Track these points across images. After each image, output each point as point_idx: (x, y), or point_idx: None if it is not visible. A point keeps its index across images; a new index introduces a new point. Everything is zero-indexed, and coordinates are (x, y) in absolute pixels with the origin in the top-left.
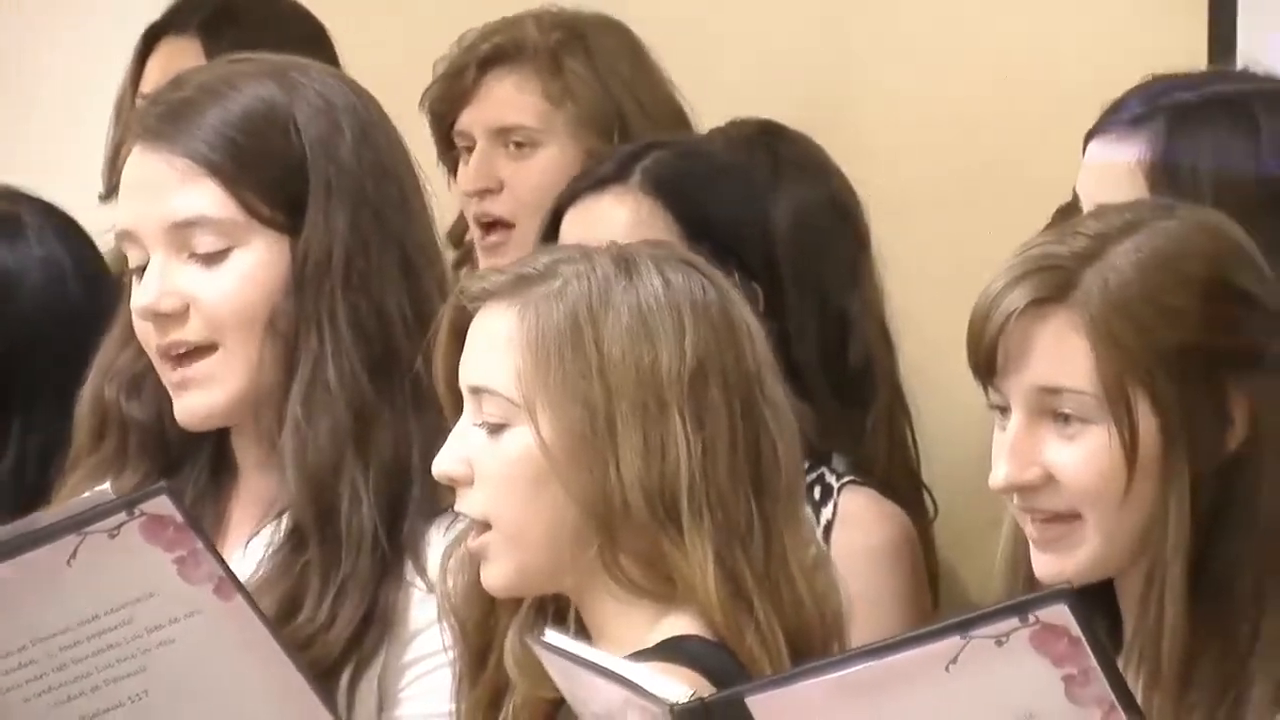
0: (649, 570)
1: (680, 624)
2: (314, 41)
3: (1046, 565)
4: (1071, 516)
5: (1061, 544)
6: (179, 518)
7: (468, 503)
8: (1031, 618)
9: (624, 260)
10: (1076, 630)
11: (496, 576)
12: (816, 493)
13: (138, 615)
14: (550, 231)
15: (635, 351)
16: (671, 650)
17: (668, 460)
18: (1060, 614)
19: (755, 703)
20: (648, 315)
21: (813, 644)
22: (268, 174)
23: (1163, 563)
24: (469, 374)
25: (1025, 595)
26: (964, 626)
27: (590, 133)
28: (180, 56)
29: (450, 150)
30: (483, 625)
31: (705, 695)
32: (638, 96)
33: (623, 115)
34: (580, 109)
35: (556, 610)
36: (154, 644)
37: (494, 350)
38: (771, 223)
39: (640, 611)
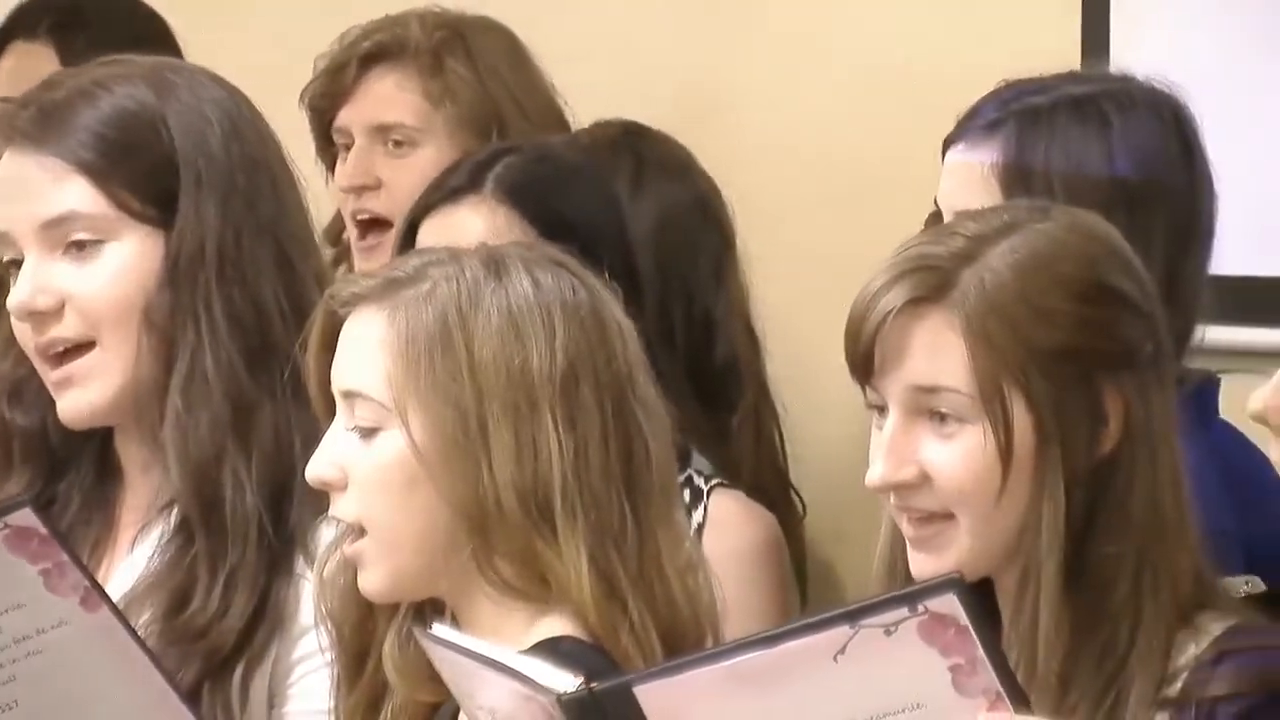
0: (523, 571)
1: (556, 625)
2: (162, 40)
3: (922, 564)
4: (947, 515)
5: (937, 543)
6: (43, 529)
7: (341, 507)
8: (920, 608)
9: (494, 262)
10: (964, 620)
11: (372, 581)
12: (686, 495)
13: (6, 626)
14: (407, 244)
15: (505, 353)
16: (547, 652)
17: (540, 461)
18: (949, 604)
19: (643, 692)
20: (518, 316)
21: (686, 643)
22: (138, 169)
23: (1037, 562)
24: (340, 378)
25: (915, 585)
26: (853, 616)
27: (469, 133)
28: (32, 60)
29: (329, 147)
30: (360, 629)
31: (594, 684)
32: (517, 98)
33: (501, 116)
34: (460, 109)
35: (434, 614)
36: (22, 654)
37: (364, 354)
38: (631, 222)
39: (516, 613)
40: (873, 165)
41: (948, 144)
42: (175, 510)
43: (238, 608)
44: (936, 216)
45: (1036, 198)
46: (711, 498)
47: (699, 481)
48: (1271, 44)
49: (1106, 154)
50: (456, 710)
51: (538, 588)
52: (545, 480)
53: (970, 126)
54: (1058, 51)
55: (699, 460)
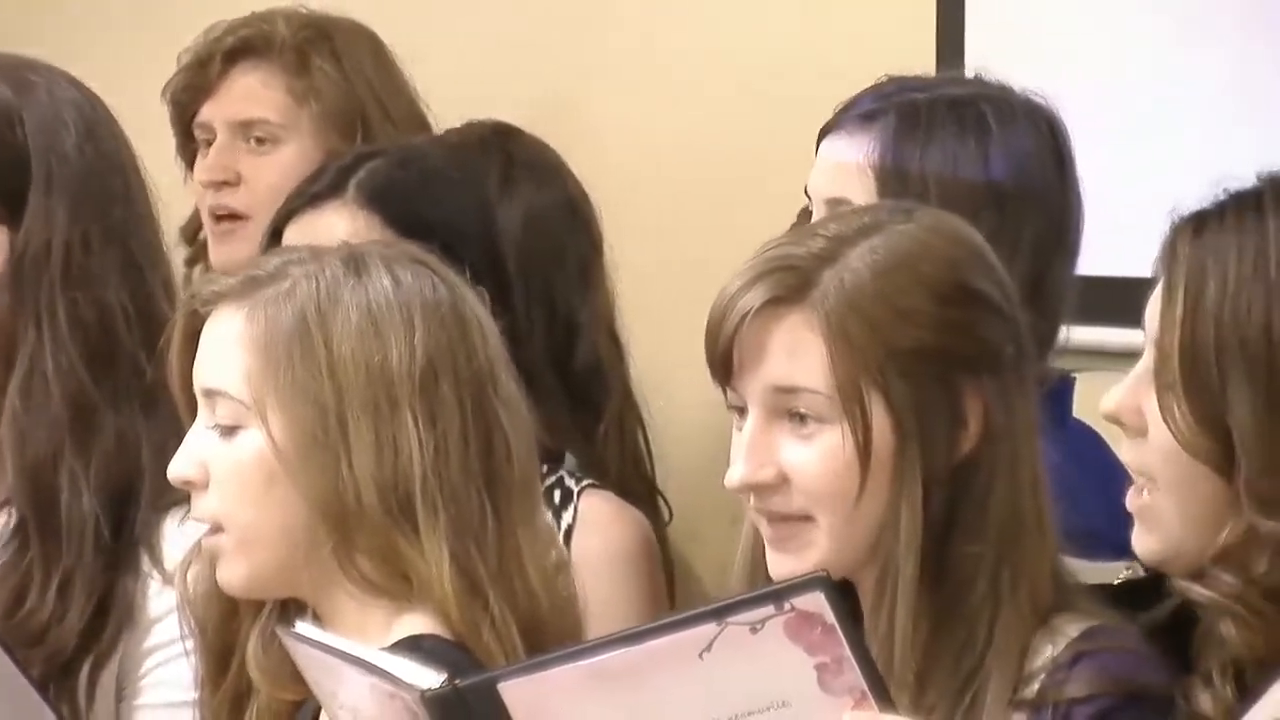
0: (384, 568)
1: (417, 622)
2: None
3: (781, 565)
4: (806, 516)
5: (796, 544)
6: None
7: (202, 505)
8: (787, 605)
9: (354, 260)
10: (831, 618)
11: (231, 578)
12: (556, 496)
13: None
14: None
15: (365, 350)
16: (408, 649)
17: (400, 458)
18: (815, 601)
19: (508, 688)
20: (377, 314)
21: (548, 639)
22: None
23: (895, 562)
24: (201, 377)
25: (782, 582)
26: (720, 613)
27: (332, 132)
28: None
29: (190, 143)
30: (224, 628)
31: (458, 681)
32: (381, 99)
33: (365, 116)
34: (324, 108)
35: (299, 614)
36: None
37: (224, 353)
38: (497, 224)
39: (377, 611)
40: (734, 168)
41: (823, 134)
42: (13, 510)
43: (76, 609)
44: (807, 213)
45: (910, 192)
46: (582, 498)
47: (570, 483)
48: (1125, 49)
49: (983, 157)
50: (318, 709)
51: (399, 585)
52: (405, 477)
53: (848, 117)
54: (913, 53)
55: (570, 461)
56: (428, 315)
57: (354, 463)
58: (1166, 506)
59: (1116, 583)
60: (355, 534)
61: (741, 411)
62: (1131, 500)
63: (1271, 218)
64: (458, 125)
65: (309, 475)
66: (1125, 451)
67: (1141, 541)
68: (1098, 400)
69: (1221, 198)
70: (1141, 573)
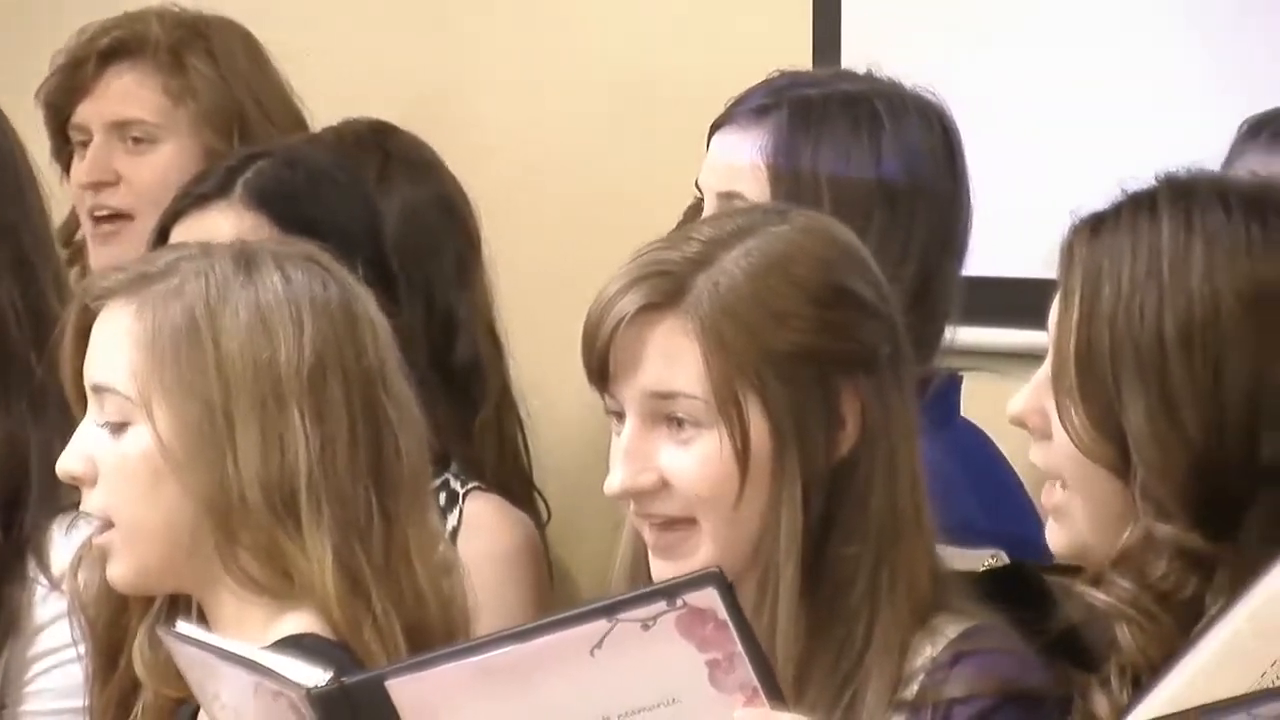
0: (268, 567)
1: (298, 621)
2: None
3: (663, 570)
4: (687, 521)
5: (677, 549)
6: None
7: (90, 501)
8: (679, 602)
9: (244, 257)
10: (723, 614)
11: (119, 574)
12: (442, 499)
13: None
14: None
15: (253, 348)
16: (289, 648)
17: (286, 456)
18: (708, 598)
19: (395, 686)
20: (266, 312)
21: (433, 639)
22: None
23: (776, 566)
24: (90, 373)
25: (674, 579)
26: (611, 610)
27: (210, 131)
28: None
29: (65, 145)
30: (113, 625)
31: (344, 678)
32: (258, 97)
33: (243, 115)
34: (201, 107)
35: (187, 613)
36: None
37: (113, 349)
38: (380, 222)
39: (260, 609)
40: (611, 167)
41: (715, 128)
42: None
43: None
44: (695, 209)
45: (803, 187)
46: (468, 501)
47: (455, 485)
48: (1003, 46)
49: (875, 153)
50: (198, 708)
51: (281, 583)
52: (291, 475)
53: (739, 112)
54: (789, 49)
55: (455, 463)
56: (317, 313)
57: (239, 460)
58: (1075, 506)
59: (981, 570)
60: (238, 531)
61: (619, 417)
62: (1045, 498)
63: (1166, 219)
64: (334, 123)
65: (195, 472)
66: (1034, 453)
67: (1053, 538)
68: (985, 400)
69: (1118, 198)
70: (1006, 560)
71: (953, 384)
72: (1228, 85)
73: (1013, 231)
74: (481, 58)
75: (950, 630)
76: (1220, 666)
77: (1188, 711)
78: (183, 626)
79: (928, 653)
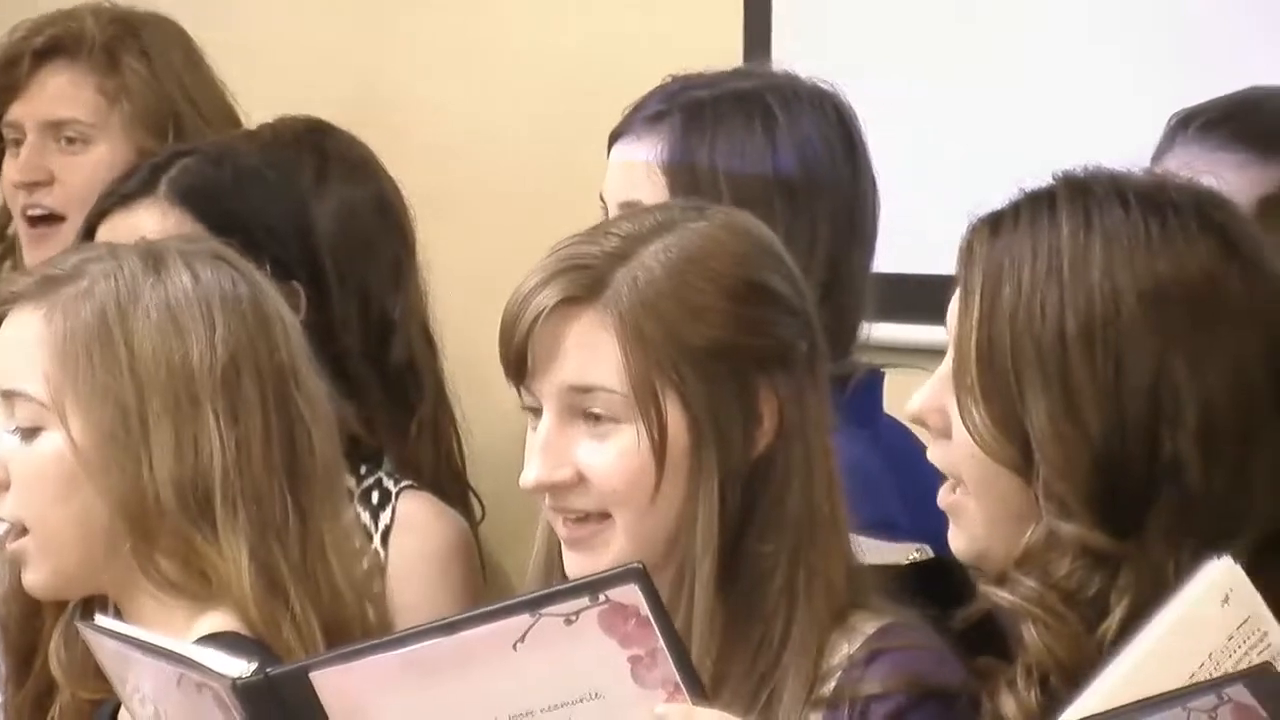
0: (184, 568)
1: (217, 621)
2: None
3: (577, 565)
4: (602, 516)
5: (593, 543)
6: None
7: (4, 507)
8: (602, 597)
9: (152, 257)
10: (645, 610)
11: (35, 580)
12: (375, 497)
13: None
14: None
15: (166, 348)
16: (210, 644)
17: (200, 457)
18: (630, 594)
19: (320, 677)
20: (177, 311)
21: (352, 634)
22: None
23: (692, 562)
24: (0, 378)
25: (597, 574)
26: (534, 604)
27: (144, 131)
28: None
29: None
30: (27, 626)
31: (269, 670)
32: (192, 96)
33: (177, 115)
34: (135, 107)
35: (102, 611)
36: None
37: (23, 354)
38: (312, 220)
39: (178, 610)
40: (545, 167)
41: (614, 138)
42: None
43: None
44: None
45: (701, 188)
46: (401, 499)
47: (389, 484)
48: (930, 44)
49: (771, 149)
50: (117, 707)
51: (199, 584)
52: (205, 476)
53: (635, 120)
54: (721, 50)
55: (389, 462)
56: (228, 311)
57: (154, 463)
58: (973, 507)
59: (905, 564)
60: (154, 534)
61: (536, 411)
62: (943, 498)
63: (1065, 218)
64: (270, 121)
65: (109, 475)
66: (932, 452)
67: (953, 539)
68: (907, 397)
69: (1017, 197)
70: (930, 554)
71: (875, 380)
72: (1139, 84)
73: (938, 228)
74: (416, 58)
75: (867, 628)
76: (1152, 666)
77: (1123, 707)
78: (102, 620)
79: (845, 650)
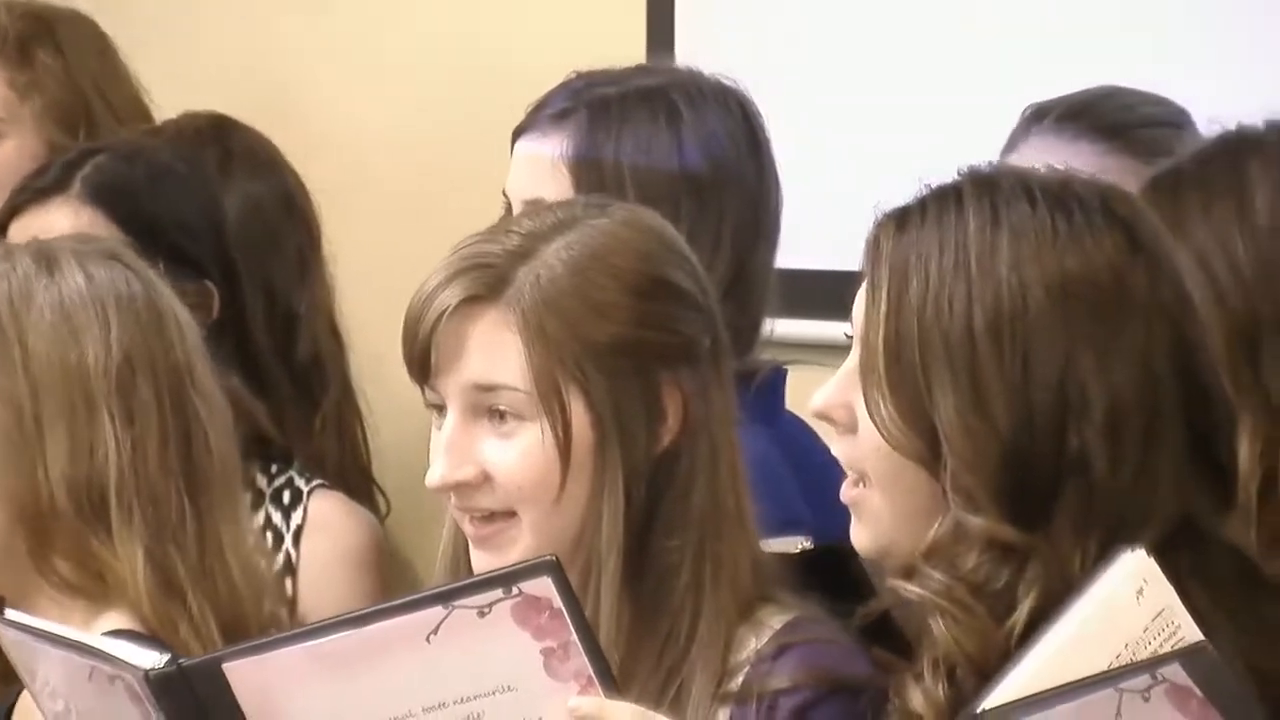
0: (81, 569)
1: (114, 621)
2: None
3: (484, 564)
4: (508, 514)
5: (498, 541)
6: None
7: None
8: (515, 589)
9: (45, 257)
10: (559, 603)
11: None
12: (286, 497)
13: None
14: None
15: (60, 349)
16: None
17: (96, 458)
18: (543, 586)
19: (232, 668)
20: (71, 312)
21: (250, 632)
22: None
23: (598, 559)
24: None
25: (510, 566)
26: (447, 597)
27: (55, 126)
28: None
29: None
30: None
31: (182, 660)
32: (104, 92)
33: (89, 110)
34: (47, 101)
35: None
36: None
37: None
38: (223, 217)
39: (75, 611)
40: (451, 162)
41: (517, 134)
42: None
43: None
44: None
45: (607, 185)
46: (312, 499)
47: (300, 483)
48: (832, 41)
49: (676, 145)
50: (11, 706)
51: (95, 585)
52: (101, 477)
53: (540, 116)
54: (624, 47)
55: (298, 460)
56: (123, 311)
57: (49, 464)
58: (878, 501)
59: (795, 553)
60: (50, 536)
61: (441, 410)
62: (845, 493)
63: (972, 213)
64: (174, 118)
65: (4, 478)
66: (837, 448)
67: (857, 535)
68: (808, 393)
69: (923, 193)
70: (810, 545)
71: (778, 378)
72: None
73: (840, 224)
74: (320, 54)
75: (774, 622)
76: (1070, 654)
77: (1056, 689)
78: (12, 614)
79: (752, 645)
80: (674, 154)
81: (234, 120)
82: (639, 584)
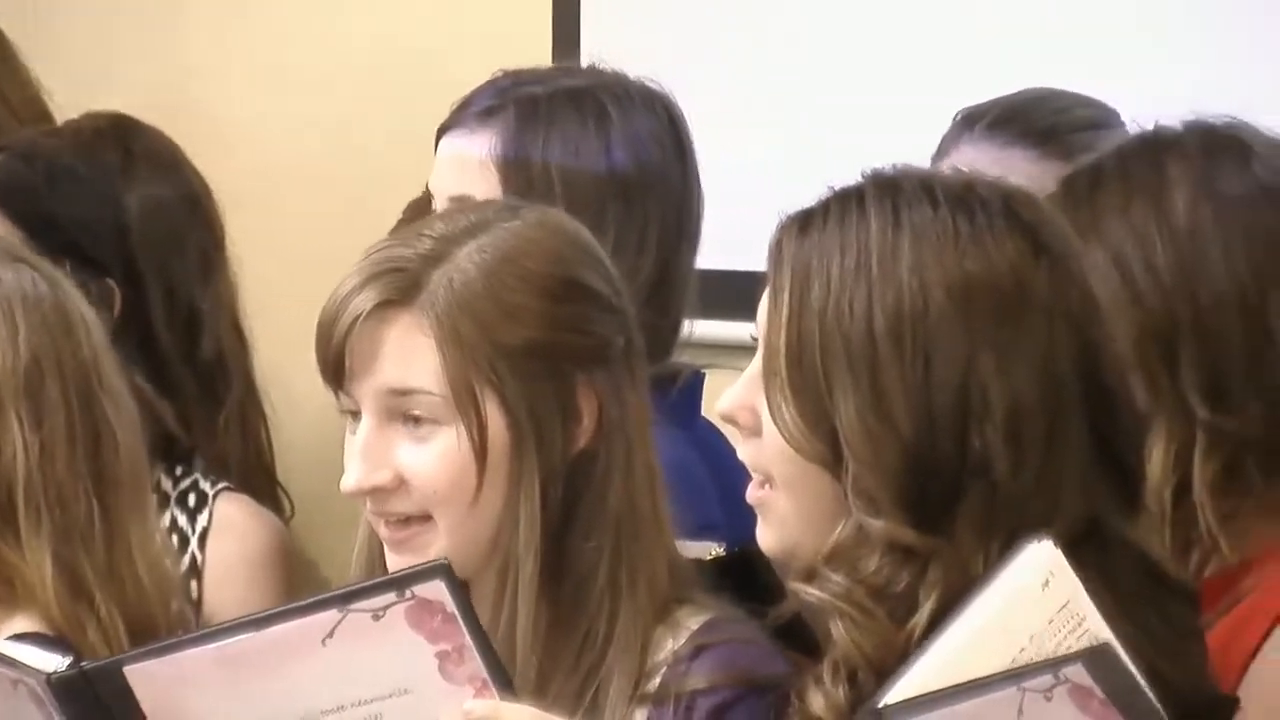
0: None
1: (22, 624)
2: None
3: (400, 566)
4: (424, 518)
5: (414, 544)
6: None
7: None
8: (408, 593)
9: None
10: (452, 606)
11: None
12: (191, 500)
13: None
14: None
15: None
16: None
17: (3, 460)
18: (436, 590)
19: (133, 672)
20: None
21: (158, 636)
22: None
23: (515, 561)
24: None
25: (404, 570)
26: (343, 600)
27: None
28: None
29: None
30: None
31: (84, 663)
32: (3, 92)
33: None
34: None
35: None
36: None
37: None
38: (126, 217)
39: None
40: (354, 162)
41: (442, 131)
42: None
43: None
44: (422, 203)
45: (534, 185)
46: (218, 502)
47: (205, 486)
48: (739, 42)
49: (605, 147)
50: None
51: (4, 589)
52: (8, 481)
53: (466, 114)
54: (529, 47)
55: (202, 462)
56: (30, 312)
57: None
58: (783, 504)
59: (708, 559)
60: None
61: (355, 415)
62: (751, 494)
63: (874, 215)
64: (75, 118)
65: None
66: (742, 451)
67: (762, 536)
68: (719, 396)
69: (826, 195)
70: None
71: (698, 381)
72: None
73: (755, 225)
74: (226, 54)
75: (691, 623)
76: (976, 646)
77: (958, 686)
78: None
79: (669, 646)
80: (602, 156)
81: (135, 121)
82: (556, 585)
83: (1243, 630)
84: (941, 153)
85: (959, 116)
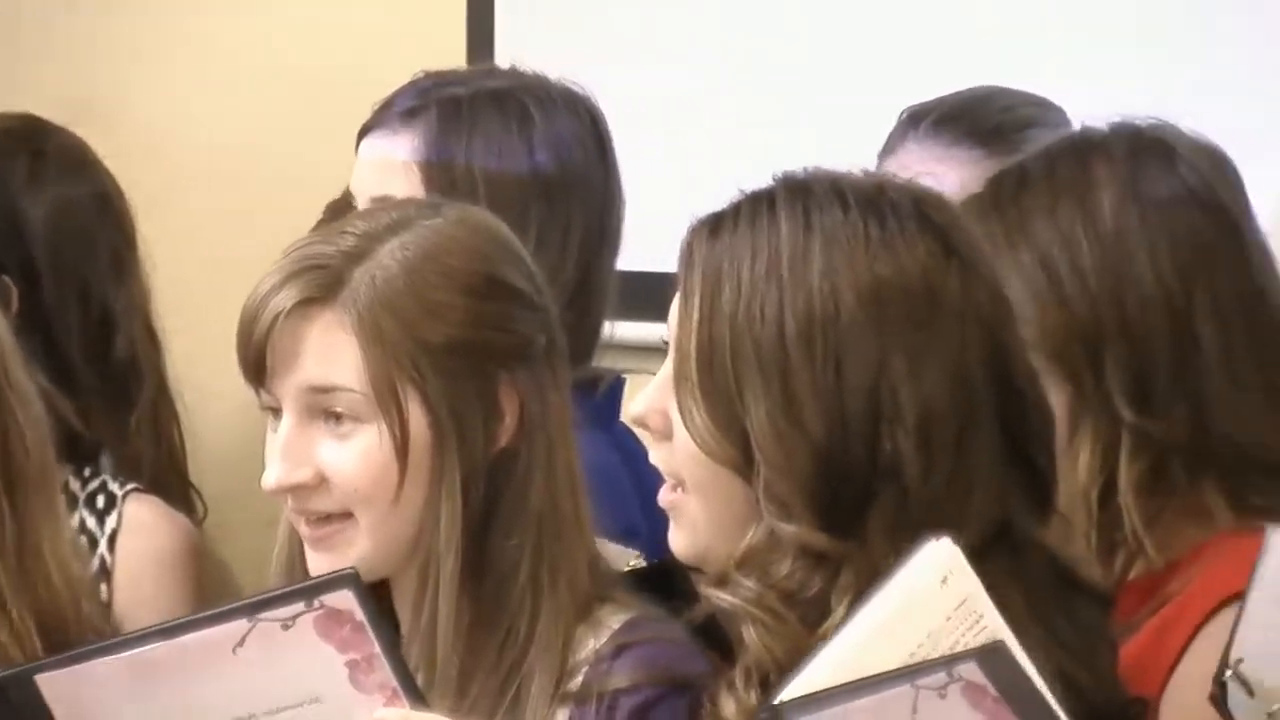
0: None
1: None
2: None
3: (321, 565)
4: (344, 516)
5: (335, 542)
6: None
7: None
8: (317, 603)
9: None
10: (360, 616)
11: None
12: (100, 501)
13: None
14: None
15: None
16: None
17: None
18: (345, 599)
19: (46, 680)
20: None
21: (70, 639)
22: None
23: (436, 558)
24: None
25: (312, 579)
26: (252, 609)
27: None
28: None
29: None
30: None
31: None
32: None
33: None
34: None
35: None
36: None
37: None
38: (26, 218)
39: None
40: (269, 163)
41: (364, 132)
42: None
43: None
44: (341, 204)
45: (458, 186)
46: (127, 503)
47: (114, 487)
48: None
49: (527, 147)
50: None
51: None
52: None
53: (389, 114)
54: (444, 49)
55: (108, 464)
56: None
57: None
58: (695, 507)
59: (627, 569)
60: None
61: (276, 412)
62: (663, 498)
63: (784, 218)
64: None
65: None
66: (654, 454)
67: (674, 540)
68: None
69: (737, 198)
70: (643, 562)
71: (619, 384)
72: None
73: (673, 226)
74: (138, 55)
75: (613, 622)
76: (874, 643)
77: (852, 683)
78: None
79: (591, 645)
80: (525, 158)
81: (45, 123)
82: (478, 584)
83: (1168, 634)
84: (887, 150)
85: (904, 115)
